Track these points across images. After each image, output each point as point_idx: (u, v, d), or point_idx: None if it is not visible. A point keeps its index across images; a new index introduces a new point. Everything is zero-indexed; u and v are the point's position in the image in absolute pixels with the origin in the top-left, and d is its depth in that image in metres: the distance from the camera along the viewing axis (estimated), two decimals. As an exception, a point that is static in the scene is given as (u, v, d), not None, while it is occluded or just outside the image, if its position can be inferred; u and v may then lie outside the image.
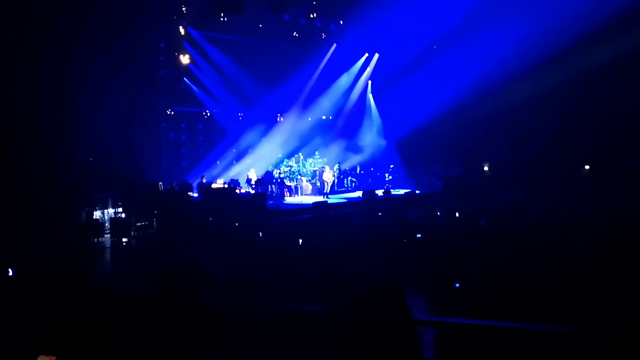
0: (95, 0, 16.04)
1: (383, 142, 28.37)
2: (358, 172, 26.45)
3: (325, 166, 23.79)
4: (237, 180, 21.59)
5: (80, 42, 15.70)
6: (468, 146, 25.57)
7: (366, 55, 27.71)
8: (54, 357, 2.68)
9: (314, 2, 23.54)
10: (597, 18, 20.25)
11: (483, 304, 6.35)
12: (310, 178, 23.96)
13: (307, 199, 21.64)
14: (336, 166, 24.87)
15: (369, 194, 20.53)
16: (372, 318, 2.10)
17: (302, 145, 25.30)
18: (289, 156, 24.50)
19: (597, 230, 10.64)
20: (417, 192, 24.01)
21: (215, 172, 22.89)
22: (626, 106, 21.44)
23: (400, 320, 2.13)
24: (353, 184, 25.45)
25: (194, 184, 20.00)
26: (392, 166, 26.81)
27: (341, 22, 25.06)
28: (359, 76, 28.11)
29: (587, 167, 24.85)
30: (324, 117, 27.84)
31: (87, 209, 15.49)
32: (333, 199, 21.50)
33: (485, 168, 26.90)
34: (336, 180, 24.24)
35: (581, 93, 22.96)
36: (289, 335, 3.71)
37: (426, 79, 25.37)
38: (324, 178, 23.01)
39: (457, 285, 7.17)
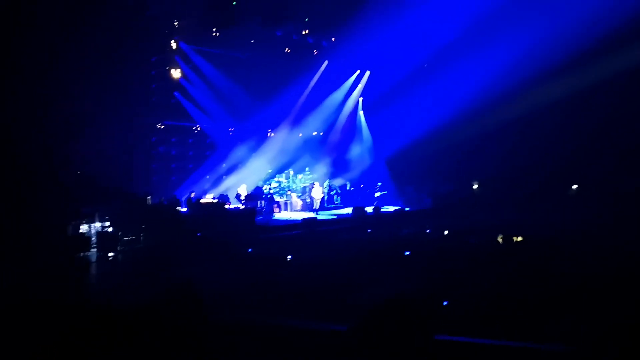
0: (88, 14, 16.02)
1: (368, 160, 28.39)
2: (348, 188, 26.44)
3: (315, 182, 23.76)
4: (227, 195, 21.50)
5: (71, 56, 15.65)
6: (458, 164, 25.69)
7: (357, 72, 27.85)
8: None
9: (306, 19, 23.68)
10: (586, 39, 20.54)
11: (472, 321, 6.32)
12: (300, 194, 23.91)
13: (296, 215, 21.57)
14: (326, 182, 24.85)
15: (358, 211, 20.51)
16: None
17: (292, 161, 25.28)
18: (279, 172, 24.46)
19: (586, 249, 10.69)
20: (407, 209, 24.01)
21: (204, 187, 22.77)
22: (616, 127, 21.69)
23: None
24: (338, 197, 25.44)
25: (183, 199, 19.88)
26: (379, 184, 26.84)
27: (333, 39, 25.21)
28: (350, 93, 28.20)
29: (575, 186, 25.01)
30: (314, 134, 27.87)
31: (73, 223, 15.30)
32: (323, 216, 21.45)
33: (475, 186, 26.98)
34: (326, 197, 24.22)
35: (570, 112, 23.22)
36: (279, 352, 3.66)
37: (416, 96, 25.53)
38: (313, 194, 22.97)
39: (445, 303, 7.14)
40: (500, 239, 12.71)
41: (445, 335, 3.28)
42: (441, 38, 24.68)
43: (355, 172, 27.61)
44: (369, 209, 21.39)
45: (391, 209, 23.85)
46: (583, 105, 22.84)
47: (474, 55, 23.45)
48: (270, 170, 24.53)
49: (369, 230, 17.41)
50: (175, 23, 21.93)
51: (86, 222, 15.89)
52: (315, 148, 27.14)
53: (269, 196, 22.04)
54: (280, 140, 25.36)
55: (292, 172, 24.48)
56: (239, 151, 24.31)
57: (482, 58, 23.09)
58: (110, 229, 15.80)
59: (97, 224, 16.06)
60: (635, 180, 22.86)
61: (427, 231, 15.95)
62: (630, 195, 22.09)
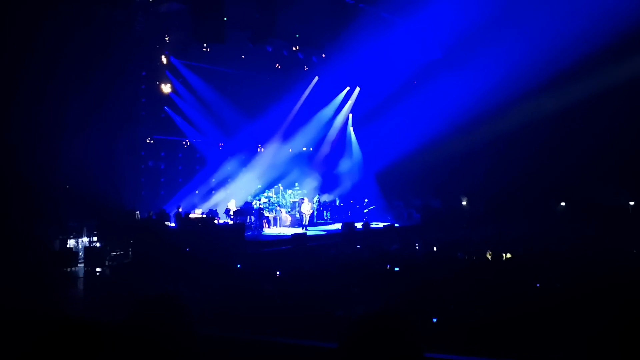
0: (78, 27, 16.03)
1: (357, 176, 28.43)
2: (338, 204, 26.44)
3: (304, 198, 23.74)
4: (216, 210, 21.42)
5: (62, 68, 15.62)
6: (446, 179, 25.81)
7: (347, 88, 28.00)
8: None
9: (297, 35, 23.82)
10: (573, 56, 20.82)
11: (460, 338, 6.31)
12: (289, 209, 23.86)
13: (285, 230, 21.51)
14: (315, 198, 24.84)
15: (348, 227, 20.49)
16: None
17: (281, 177, 25.26)
18: (269, 187, 24.42)
19: (572, 265, 10.74)
20: (396, 224, 24.03)
21: (193, 201, 22.67)
22: (601, 143, 21.92)
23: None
24: (328, 213, 25.43)
25: (172, 214, 19.78)
26: (366, 200, 26.87)
27: (323, 55, 25.36)
28: (340, 109, 28.34)
29: (562, 203, 25.21)
30: (304, 149, 27.92)
31: (61, 237, 15.18)
32: (312, 231, 21.40)
33: (464, 202, 27.10)
34: (315, 212, 24.18)
35: (557, 129, 23.47)
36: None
37: (406, 112, 25.70)
38: (302, 210, 22.94)
39: (435, 320, 7.13)
40: (489, 255, 12.74)
41: (435, 353, 3.28)
42: (429, 54, 24.97)
43: (344, 188, 27.64)
44: (359, 225, 21.39)
45: (381, 224, 23.86)
46: (570, 120, 23.11)
47: (463, 71, 23.69)
48: (259, 186, 24.48)
49: (358, 246, 17.39)
50: (166, 38, 21.97)
51: (74, 237, 15.77)
52: (304, 163, 27.16)
53: (258, 211, 21.98)
54: (270, 155, 25.37)
55: (281, 188, 24.44)
56: (229, 166, 24.27)
57: (470, 74, 23.34)
58: (97, 244, 15.68)
59: (85, 239, 15.95)
60: (621, 194, 23.15)
61: (417, 247, 15.95)
62: (616, 209, 22.34)
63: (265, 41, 22.48)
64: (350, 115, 29.15)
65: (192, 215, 19.71)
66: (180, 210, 19.90)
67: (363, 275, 10.28)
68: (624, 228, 18.02)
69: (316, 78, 26.30)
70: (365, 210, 26.22)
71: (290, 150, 26.53)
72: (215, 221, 19.60)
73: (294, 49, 24.57)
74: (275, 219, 23.08)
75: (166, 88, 22.57)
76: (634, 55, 21.14)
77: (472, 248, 14.05)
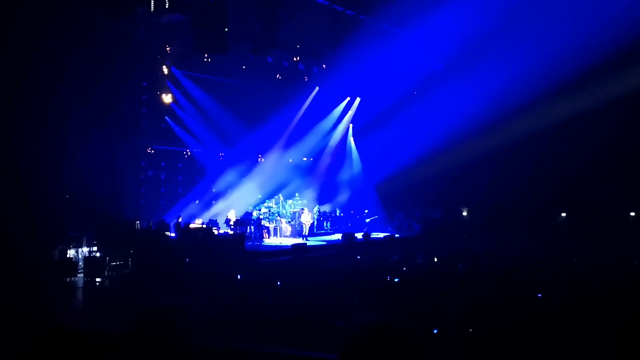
0: (80, 37, 16.10)
1: (358, 186, 28.41)
2: (338, 214, 26.40)
3: (304, 208, 23.72)
4: (216, 220, 21.40)
5: (64, 78, 15.67)
6: (447, 190, 25.81)
7: (348, 98, 28.04)
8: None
9: (298, 46, 23.91)
10: (574, 67, 20.89)
11: (461, 348, 6.29)
12: (289, 220, 23.84)
13: (286, 240, 21.48)
14: (316, 208, 24.82)
15: (348, 237, 20.45)
16: None
17: (282, 187, 25.25)
18: (269, 197, 24.40)
19: (573, 276, 10.72)
20: (397, 235, 23.98)
21: (193, 211, 22.63)
22: (602, 154, 21.96)
23: None
24: (328, 223, 25.40)
25: (172, 224, 19.76)
26: (366, 211, 26.84)
27: (324, 65, 25.43)
28: (341, 119, 28.36)
29: (563, 214, 25.18)
30: (304, 159, 27.92)
31: (61, 247, 15.15)
32: (312, 241, 21.37)
33: (464, 213, 27.07)
34: (315, 223, 24.15)
35: (558, 140, 23.51)
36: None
37: (406, 123, 25.74)
38: (302, 220, 22.91)
39: (436, 331, 7.11)
40: (489, 265, 12.72)
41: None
42: (430, 65, 25.04)
43: (344, 198, 27.61)
44: (359, 235, 21.35)
45: (381, 235, 23.82)
46: (570, 131, 23.16)
47: (463, 83, 23.77)
48: (260, 196, 24.46)
49: (358, 257, 17.36)
50: (167, 48, 22.06)
51: (73, 247, 15.74)
52: (305, 173, 27.15)
53: (258, 221, 21.95)
54: (270, 165, 25.36)
55: (281, 198, 24.43)
56: (229, 176, 24.26)
57: (470, 86, 23.41)
58: (97, 254, 15.65)
59: (85, 249, 15.92)
60: (622, 206, 23.14)
61: (418, 260, 15.92)
62: (617, 220, 22.32)
63: (266, 52, 22.54)
64: (351, 125, 29.17)
65: (192, 226, 19.68)
66: (180, 220, 19.88)
67: (363, 286, 10.26)
68: (625, 239, 18.01)
69: (316, 88, 26.35)
70: (368, 220, 26.17)
71: (290, 160, 26.53)
72: (215, 231, 19.57)
73: (294, 59, 24.66)
74: (275, 229, 23.05)
75: (167, 98, 22.60)
76: (635, 66, 21.21)
77: (472, 259, 14.03)
